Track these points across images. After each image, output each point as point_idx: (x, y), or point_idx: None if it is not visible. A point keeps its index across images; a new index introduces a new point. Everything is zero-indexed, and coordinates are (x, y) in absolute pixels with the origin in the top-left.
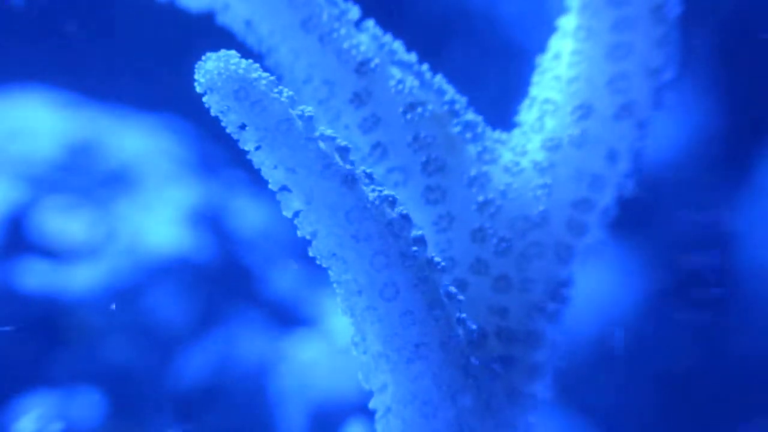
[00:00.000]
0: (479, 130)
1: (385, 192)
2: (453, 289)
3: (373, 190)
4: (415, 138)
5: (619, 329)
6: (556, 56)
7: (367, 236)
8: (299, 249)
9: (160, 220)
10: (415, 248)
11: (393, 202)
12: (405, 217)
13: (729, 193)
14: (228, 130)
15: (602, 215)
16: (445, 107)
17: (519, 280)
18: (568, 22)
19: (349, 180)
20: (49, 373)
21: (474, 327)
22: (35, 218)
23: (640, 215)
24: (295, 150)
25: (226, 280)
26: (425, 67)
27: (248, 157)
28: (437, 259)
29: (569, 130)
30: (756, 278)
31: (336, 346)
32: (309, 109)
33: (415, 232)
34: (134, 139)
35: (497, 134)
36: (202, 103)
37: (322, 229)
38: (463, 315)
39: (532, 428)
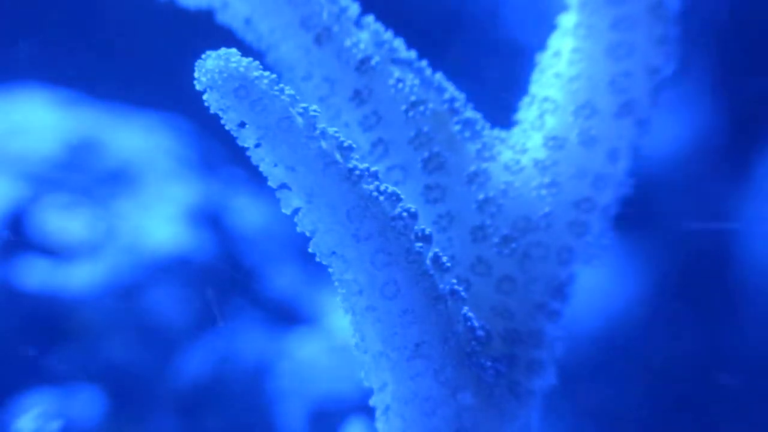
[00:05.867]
0: (478, 127)
1: (390, 189)
2: (457, 286)
3: (377, 188)
4: (417, 135)
5: (618, 327)
6: (556, 54)
7: (368, 235)
8: (299, 247)
9: (159, 218)
10: (419, 245)
11: (397, 200)
12: (411, 215)
13: (729, 191)
14: (228, 128)
15: (602, 214)
16: (445, 105)
17: (521, 279)
18: (567, 20)
19: (350, 178)
20: (49, 371)
21: (477, 324)
22: (35, 216)
23: (640, 214)
24: (295, 148)
25: (225, 278)
26: (425, 64)
27: (248, 154)
28: (444, 258)
29: (573, 128)
30: (756, 276)
31: (336, 344)
32: (314, 108)
33: (419, 227)
34: (134, 137)
35: (497, 132)
36: (202, 101)
37: (323, 227)
38: (469, 313)
39: (532, 425)
